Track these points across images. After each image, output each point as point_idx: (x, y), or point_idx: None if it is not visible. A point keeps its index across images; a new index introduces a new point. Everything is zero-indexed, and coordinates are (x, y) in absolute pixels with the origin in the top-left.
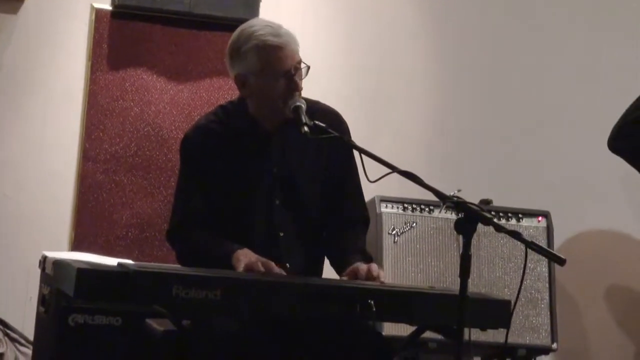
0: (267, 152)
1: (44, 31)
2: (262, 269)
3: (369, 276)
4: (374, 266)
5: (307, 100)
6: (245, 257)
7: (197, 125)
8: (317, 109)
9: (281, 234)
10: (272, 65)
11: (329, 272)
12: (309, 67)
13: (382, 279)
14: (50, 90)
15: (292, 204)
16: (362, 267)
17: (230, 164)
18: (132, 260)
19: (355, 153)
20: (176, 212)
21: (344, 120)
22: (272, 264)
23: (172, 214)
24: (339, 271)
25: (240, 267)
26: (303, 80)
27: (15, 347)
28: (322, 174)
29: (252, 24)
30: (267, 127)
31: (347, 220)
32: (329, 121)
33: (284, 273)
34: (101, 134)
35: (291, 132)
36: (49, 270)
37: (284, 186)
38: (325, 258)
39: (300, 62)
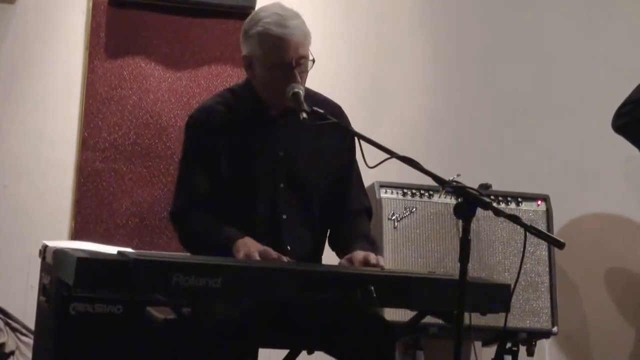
0: (274, 135)
1: (42, 20)
2: (258, 258)
3: (366, 264)
4: (371, 255)
5: (309, 91)
6: (244, 247)
7: (203, 106)
8: (319, 100)
9: (284, 217)
10: (271, 54)
11: (329, 258)
12: (314, 61)
13: (382, 265)
14: (49, 80)
15: (296, 188)
16: (358, 254)
17: (235, 145)
18: (132, 248)
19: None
20: (179, 193)
21: (345, 114)
22: (271, 252)
23: (175, 195)
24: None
25: (240, 255)
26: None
27: (16, 336)
28: (328, 161)
29: (265, 8)
30: (273, 110)
31: (350, 212)
32: (330, 112)
33: (283, 260)
34: (100, 122)
35: (298, 117)
36: (49, 259)
37: (289, 170)
38: (327, 245)
39: (304, 56)
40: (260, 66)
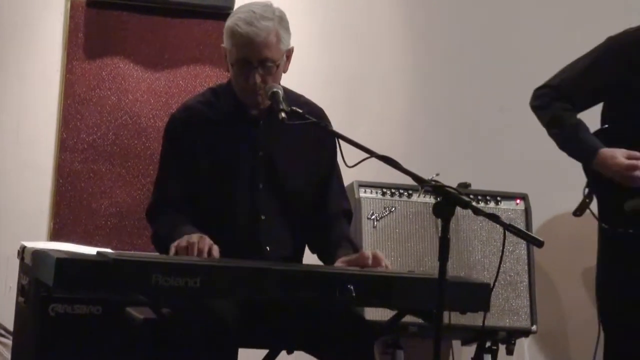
0: (254, 135)
1: (19, 21)
2: (183, 244)
3: (377, 262)
4: (379, 253)
5: (292, 93)
6: (181, 239)
7: (184, 105)
8: (301, 102)
9: (263, 217)
10: (234, 51)
11: (308, 258)
12: (277, 66)
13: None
14: (26, 81)
15: (275, 188)
16: (367, 253)
17: (215, 145)
18: (112, 249)
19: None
20: (154, 192)
21: (327, 116)
22: (197, 243)
23: (152, 194)
24: (327, 261)
25: (171, 252)
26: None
27: None
28: (308, 164)
29: (248, 4)
30: (254, 110)
31: (330, 215)
32: (310, 113)
33: (216, 253)
34: (78, 123)
35: (278, 118)
36: (27, 260)
37: (268, 170)
38: (306, 247)
39: (269, 59)
40: (229, 59)
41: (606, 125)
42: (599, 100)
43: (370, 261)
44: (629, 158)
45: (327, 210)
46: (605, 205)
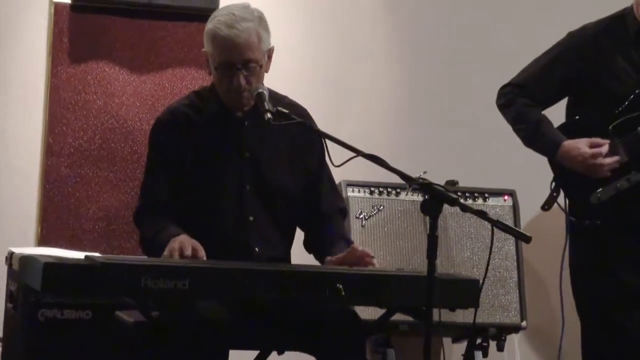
0: (240, 136)
1: (3, 26)
2: (175, 246)
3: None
4: (368, 252)
5: (276, 94)
6: (172, 243)
7: (168, 109)
8: (285, 103)
9: (251, 219)
10: (217, 54)
11: (297, 258)
12: (260, 67)
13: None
14: (12, 86)
15: (262, 189)
16: (358, 249)
17: (201, 147)
18: (100, 253)
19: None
20: (141, 196)
21: (312, 117)
22: (188, 248)
23: (139, 198)
24: (322, 259)
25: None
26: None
27: None
28: (295, 163)
29: (226, 7)
30: (239, 112)
31: (324, 214)
32: (295, 114)
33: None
34: (64, 128)
35: (264, 119)
36: (15, 266)
37: (255, 171)
38: (295, 245)
39: (252, 60)
40: (211, 63)
41: (569, 120)
42: (562, 96)
43: (359, 258)
44: (591, 146)
45: (320, 209)
46: (572, 198)
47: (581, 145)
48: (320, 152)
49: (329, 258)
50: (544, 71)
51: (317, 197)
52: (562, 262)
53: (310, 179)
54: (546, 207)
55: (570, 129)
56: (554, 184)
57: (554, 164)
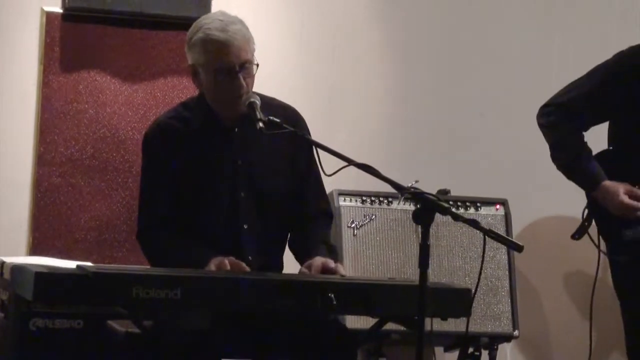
0: (230, 144)
1: None
2: (228, 266)
3: (325, 270)
4: (330, 261)
5: (264, 97)
6: (215, 260)
7: (155, 122)
8: (275, 105)
9: (245, 226)
10: (214, 59)
11: (292, 267)
12: (257, 65)
13: (342, 272)
14: (3, 95)
15: (256, 196)
16: (317, 261)
17: (192, 158)
18: (92, 262)
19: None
20: (141, 214)
21: (302, 117)
22: (243, 265)
23: (139, 215)
24: (302, 263)
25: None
26: (255, 77)
27: None
28: (286, 167)
29: (207, 16)
30: (226, 120)
31: (309, 215)
32: (286, 117)
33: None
34: (56, 137)
35: (253, 125)
36: (7, 275)
37: (248, 178)
38: (288, 254)
39: (247, 60)
40: (206, 73)
41: (610, 148)
42: (607, 118)
43: (316, 270)
44: (630, 195)
45: (304, 210)
46: (604, 230)
47: (620, 191)
48: (308, 154)
49: (303, 268)
50: (591, 94)
51: (301, 198)
52: (592, 293)
53: (297, 179)
54: (577, 236)
55: (610, 158)
56: (586, 211)
57: (589, 195)
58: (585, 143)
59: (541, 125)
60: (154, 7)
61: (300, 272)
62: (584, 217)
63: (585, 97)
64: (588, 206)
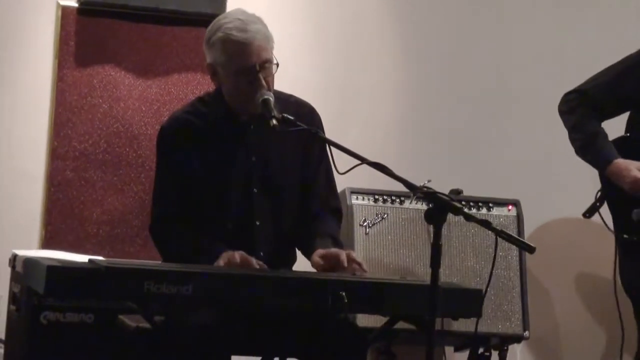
0: (245, 141)
1: (10, 29)
2: (237, 260)
3: (350, 261)
4: (351, 252)
5: (281, 94)
6: (225, 254)
7: (172, 117)
8: (291, 102)
9: (257, 223)
10: (234, 60)
11: (303, 265)
12: (277, 65)
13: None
14: (18, 89)
15: (270, 192)
16: (342, 253)
17: (207, 153)
18: (104, 257)
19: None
20: (155, 207)
21: (317, 114)
22: (251, 260)
23: (152, 208)
24: (307, 255)
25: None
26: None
27: None
28: (300, 164)
29: (226, 14)
30: (243, 117)
31: (317, 211)
32: (301, 114)
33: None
34: (70, 131)
35: (268, 122)
36: (19, 268)
37: (262, 174)
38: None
39: (268, 60)
40: (225, 73)
41: (628, 134)
42: (626, 109)
43: (345, 262)
44: None
45: (312, 204)
46: (615, 211)
47: (632, 167)
48: (320, 150)
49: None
50: (612, 83)
51: (311, 189)
52: (614, 272)
53: (307, 174)
54: (587, 214)
55: (627, 144)
56: (599, 193)
57: (603, 177)
58: (602, 128)
59: (561, 112)
60: (169, 2)
61: (313, 260)
62: (597, 197)
63: (606, 86)
64: (602, 186)
